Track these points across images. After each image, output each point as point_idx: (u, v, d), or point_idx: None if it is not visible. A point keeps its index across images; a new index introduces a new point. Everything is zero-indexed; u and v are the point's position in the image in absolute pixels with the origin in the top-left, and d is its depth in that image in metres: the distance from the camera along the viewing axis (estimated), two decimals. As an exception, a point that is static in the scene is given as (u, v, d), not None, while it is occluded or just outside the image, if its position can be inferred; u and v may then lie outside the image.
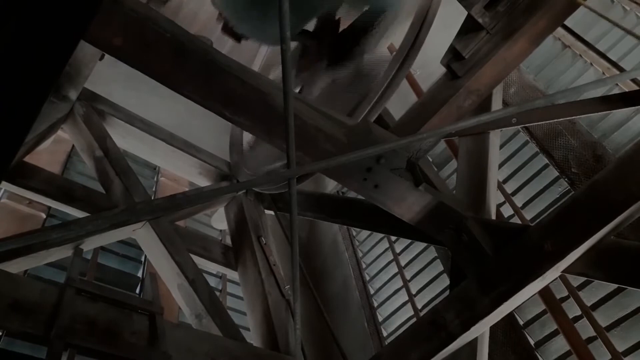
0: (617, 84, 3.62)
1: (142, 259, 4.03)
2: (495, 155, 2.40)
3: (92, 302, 1.74)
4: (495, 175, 2.36)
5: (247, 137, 3.24)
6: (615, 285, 2.73)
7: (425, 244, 4.13)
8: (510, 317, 3.12)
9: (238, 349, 2.01)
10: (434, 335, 1.97)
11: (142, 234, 2.55)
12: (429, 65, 4.04)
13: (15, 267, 2.13)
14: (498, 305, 1.84)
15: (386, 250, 4.72)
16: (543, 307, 3.05)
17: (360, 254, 4.97)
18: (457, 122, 1.57)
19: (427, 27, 2.04)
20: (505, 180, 4.02)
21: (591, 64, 4.10)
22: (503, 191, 3.91)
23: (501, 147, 3.85)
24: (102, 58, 2.62)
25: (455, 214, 2.07)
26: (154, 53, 1.62)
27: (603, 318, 2.87)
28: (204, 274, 2.53)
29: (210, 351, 1.89)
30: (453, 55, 2.02)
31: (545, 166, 3.79)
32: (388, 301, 4.37)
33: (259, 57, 3.39)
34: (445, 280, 3.93)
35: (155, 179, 5.04)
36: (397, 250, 4.59)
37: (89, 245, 2.44)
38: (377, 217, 2.45)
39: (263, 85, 1.77)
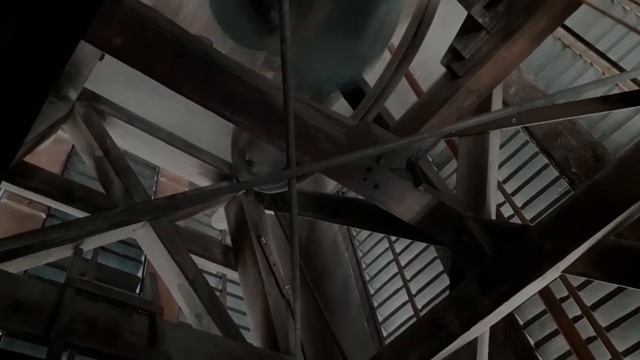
0: (617, 84, 3.62)
1: (142, 259, 4.03)
2: (495, 155, 2.40)
3: (92, 302, 1.74)
4: (495, 175, 2.36)
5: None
6: (615, 285, 2.73)
7: (425, 244, 4.13)
8: (510, 317, 3.12)
9: (238, 349, 2.01)
10: (434, 335, 1.97)
11: (142, 234, 2.55)
12: (429, 65, 4.04)
13: (15, 267, 2.13)
14: (498, 305, 1.84)
15: (386, 250, 4.72)
16: (543, 307, 3.05)
17: (360, 254, 4.97)
18: (457, 122, 1.57)
19: (426, 25, 2.04)
20: (505, 180, 4.02)
21: (591, 64, 4.10)
22: (503, 191, 3.91)
23: (501, 147, 3.85)
24: (102, 58, 2.62)
25: (455, 214, 2.07)
26: (154, 53, 1.62)
27: (603, 318, 2.87)
28: (204, 274, 2.53)
29: (210, 351, 1.89)
30: (453, 55, 2.02)
31: (545, 166, 3.79)
32: (388, 301, 4.37)
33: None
34: (445, 280, 3.93)
35: (155, 179, 5.04)
36: (397, 250, 4.59)
37: (89, 245, 2.44)
38: (377, 217, 2.45)
39: (263, 85, 1.77)
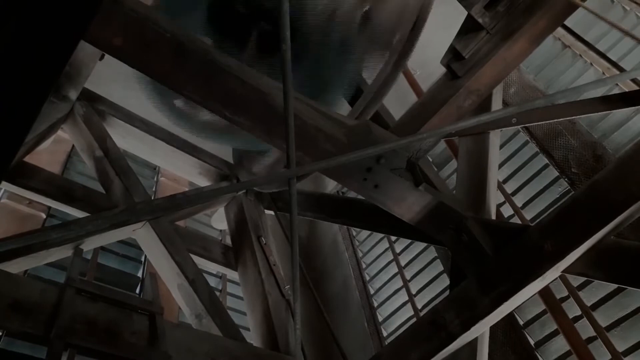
0: (617, 84, 3.62)
1: (142, 259, 4.03)
2: (495, 155, 2.40)
3: (92, 302, 1.74)
4: (495, 175, 2.36)
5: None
6: (615, 285, 2.73)
7: (425, 244, 4.13)
8: (510, 317, 3.13)
9: (238, 349, 2.01)
10: (434, 335, 1.97)
11: (142, 234, 2.55)
12: (429, 65, 4.05)
13: (15, 267, 2.13)
14: (498, 305, 1.84)
15: (386, 250, 4.73)
16: (543, 307, 3.05)
17: (360, 254, 4.97)
18: (457, 122, 1.57)
19: (421, 23, 2.04)
20: (505, 180, 4.02)
21: (591, 64, 4.10)
22: (503, 191, 3.91)
23: (501, 147, 3.85)
24: (102, 58, 2.62)
25: (455, 214, 2.07)
26: (154, 53, 1.62)
27: (603, 318, 2.87)
28: (204, 274, 2.53)
29: (210, 351, 1.89)
30: (453, 55, 2.02)
31: (545, 166, 3.79)
32: (388, 301, 4.37)
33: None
34: (445, 280, 3.93)
35: (155, 179, 5.04)
36: (397, 250, 4.59)
37: (89, 245, 2.44)
38: (377, 217, 2.45)
39: (263, 85, 1.77)
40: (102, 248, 3.76)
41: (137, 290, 3.80)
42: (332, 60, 2.21)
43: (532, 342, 3.11)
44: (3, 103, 0.89)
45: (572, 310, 2.97)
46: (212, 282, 4.46)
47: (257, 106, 1.78)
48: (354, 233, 5.18)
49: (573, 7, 1.85)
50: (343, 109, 2.41)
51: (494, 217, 2.25)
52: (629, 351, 2.71)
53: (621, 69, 3.85)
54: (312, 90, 2.11)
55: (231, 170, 3.41)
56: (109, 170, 2.72)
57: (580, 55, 4.21)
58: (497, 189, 3.33)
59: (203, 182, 3.49)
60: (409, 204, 2.06)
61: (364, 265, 4.85)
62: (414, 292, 4.17)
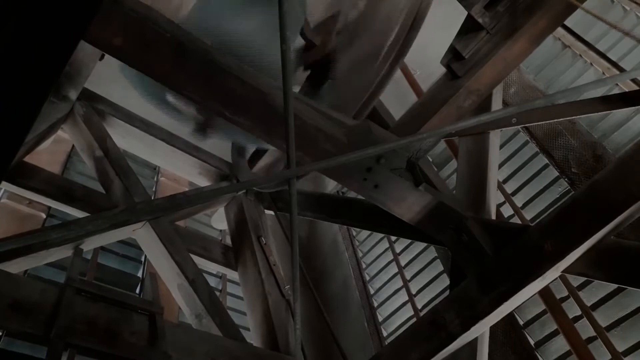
0: (617, 84, 3.62)
1: (142, 259, 4.03)
2: (495, 155, 2.40)
3: (92, 302, 1.74)
4: (495, 175, 2.36)
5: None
6: (615, 285, 2.73)
7: (425, 244, 4.13)
8: (510, 317, 3.13)
9: (238, 349, 2.01)
10: (434, 335, 1.96)
11: (142, 234, 2.55)
12: (429, 65, 4.05)
13: (15, 267, 2.12)
14: (498, 305, 1.83)
15: (386, 250, 4.73)
16: (543, 307, 3.05)
17: (360, 254, 4.97)
18: (457, 122, 1.57)
19: (419, 23, 2.04)
20: (505, 180, 4.02)
21: (591, 64, 4.10)
22: (503, 191, 3.91)
23: (501, 147, 3.85)
24: (102, 58, 2.62)
25: (455, 214, 2.07)
26: (154, 53, 1.62)
27: (603, 318, 2.87)
28: (204, 274, 2.52)
29: (210, 351, 1.89)
30: (453, 55, 2.02)
31: (545, 166, 3.79)
32: (388, 301, 4.37)
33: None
34: (445, 280, 3.93)
35: (155, 179, 5.04)
36: (397, 250, 4.59)
37: (89, 245, 2.43)
38: (377, 217, 2.45)
39: (263, 85, 1.77)
40: (102, 248, 3.76)
41: (137, 290, 3.80)
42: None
43: (532, 342, 3.11)
44: (3, 103, 0.89)
45: (572, 310, 2.98)
46: (212, 282, 4.46)
47: (257, 106, 1.78)
48: (354, 233, 5.18)
49: (573, 7, 1.85)
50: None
51: (494, 217, 2.25)
52: (629, 351, 2.71)
53: (621, 69, 3.85)
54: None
55: (231, 170, 3.40)
56: (109, 170, 2.72)
57: (580, 55, 4.21)
58: (497, 189, 3.33)
59: (203, 182, 3.49)
60: (409, 204, 2.06)
61: (364, 265, 4.85)
62: (414, 292, 4.17)
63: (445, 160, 4.71)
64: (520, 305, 2.03)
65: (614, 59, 3.96)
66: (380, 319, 4.30)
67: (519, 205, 3.81)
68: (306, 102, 1.92)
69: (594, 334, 2.81)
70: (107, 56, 1.72)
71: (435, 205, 2.05)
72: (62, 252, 2.29)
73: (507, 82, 4.28)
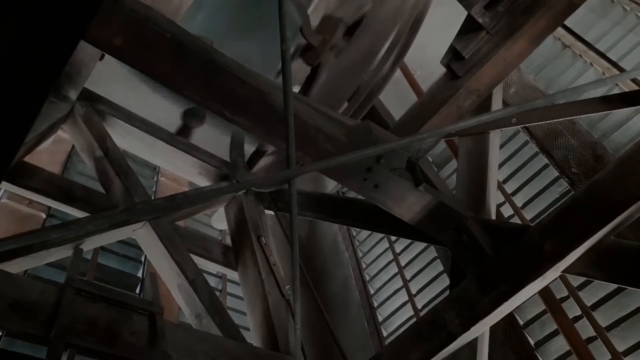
0: (617, 84, 3.62)
1: (142, 259, 4.03)
2: (495, 155, 2.40)
3: (92, 302, 1.73)
4: (495, 175, 2.36)
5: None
6: (615, 285, 2.73)
7: (425, 244, 4.14)
8: (510, 317, 3.13)
9: (238, 349, 2.01)
10: (434, 335, 1.96)
11: (142, 234, 2.55)
12: (429, 65, 4.05)
13: (15, 267, 2.12)
14: (498, 305, 1.83)
15: (386, 250, 4.73)
16: (543, 307, 3.06)
17: (360, 254, 4.97)
18: (457, 122, 1.57)
19: (418, 23, 2.04)
20: (505, 180, 4.02)
21: (591, 64, 4.10)
22: (503, 191, 3.91)
23: (501, 147, 3.85)
24: (102, 58, 2.62)
25: (455, 214, 2.07)
26: (154, 53, 1.62)
27: (603, 318, 2.87)
28: (204, 274, 2.52)
29: (210, 351, 1.89)
30: (453, 55, 2.02)
31: (545, 166, 3.79)
32: (388, 301, 4.37)
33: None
34: (445, 280, 3.93)
35: (155, 179, 5.04)
36: (397, 250, 4.59)
37: (89, 245, 2.43)
38: (377, 217, 2.45)
39: (263, 85, 1.77)
40: (102, 248, 3.76)
41: (137, 290, 3.80)
42: None
43: (532, 342, 3.11)
44: (3, 103, 0.89)
45: (572, 310, 2.98)
46: (212, 282, 4.46)
47: (257, 106, 1.78)
48: (354, 233, 5.18)
49: (573, 7, 1.85)
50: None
51: (494, 217, 2.25)
52: (629, 351, 2.71)
53: (621, 69, 3.86)
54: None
55: (231, 170, 3.40)
56: (109, 170, 2.71)
57: (580, 55, 4.21)
58: (497, 189, 3.33)
59: (203, 182, 3.49)
60: (409, 204, 2.06)
61: (364, 265, 4.85)
62: (414, 292, 4.17)
63: (445, 160, 4.71)
64: (520, 305, 2.03)
65: (614, 59, 3.96)
66: (380, 319, 4.30)
67: (519, 205, 3.81)
68: (306, 102, 1.92)
69: (594, 334, 2.81)
70: (107, 56, 1.72)
71: (435, 205, 2.05)
72: (62, 252, 2.29)
73: (507, 82, 4.29)
